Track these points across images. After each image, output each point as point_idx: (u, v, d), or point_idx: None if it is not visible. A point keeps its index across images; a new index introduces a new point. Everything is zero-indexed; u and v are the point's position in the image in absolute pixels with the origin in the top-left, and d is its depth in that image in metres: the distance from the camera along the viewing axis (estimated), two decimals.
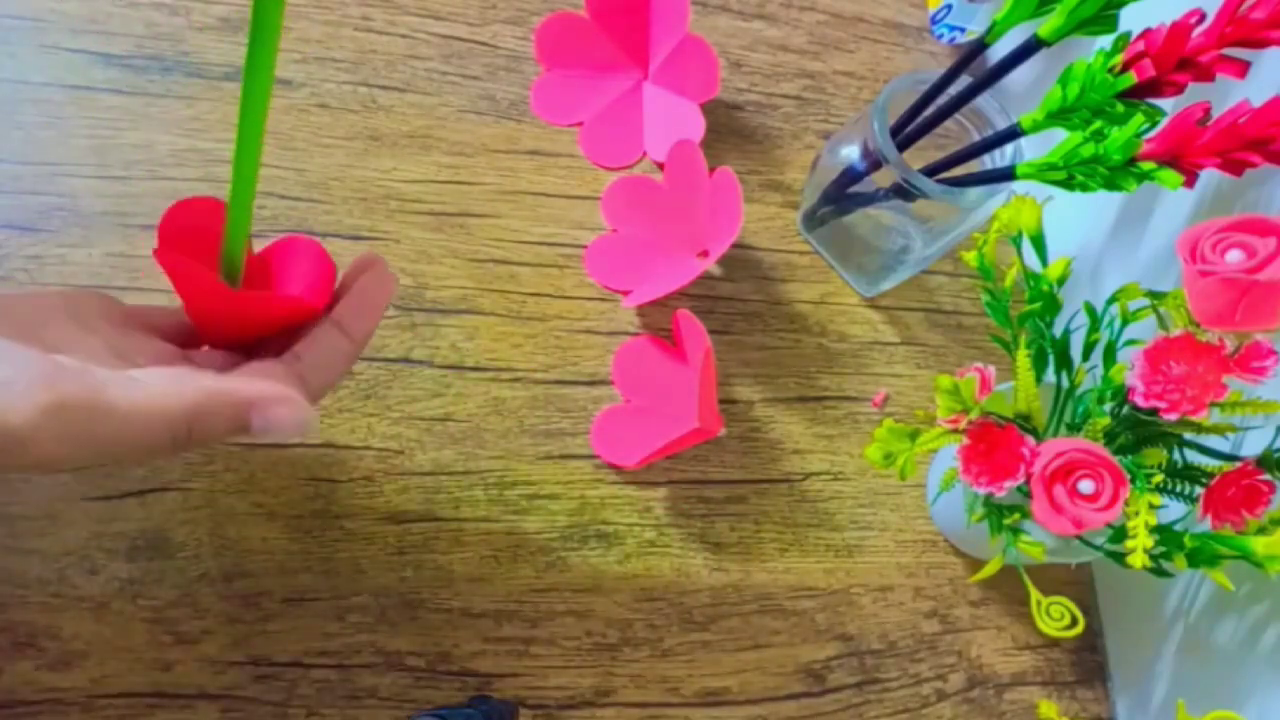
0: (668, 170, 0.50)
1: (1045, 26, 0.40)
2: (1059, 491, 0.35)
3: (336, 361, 0.31)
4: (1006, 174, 0.42)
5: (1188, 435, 0.39)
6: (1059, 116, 0.40)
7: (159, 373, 0.26)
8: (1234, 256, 0.33)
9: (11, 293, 0.25)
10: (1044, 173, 0.40)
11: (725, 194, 0.46)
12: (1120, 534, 0.36)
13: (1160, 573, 0.37)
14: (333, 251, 0.46)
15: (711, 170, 0.47)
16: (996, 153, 0.45)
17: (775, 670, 0.45)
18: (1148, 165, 0.38)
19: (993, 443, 0.37)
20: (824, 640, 0.46)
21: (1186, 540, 0.36)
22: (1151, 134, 0.38)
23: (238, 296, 0.31)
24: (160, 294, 0.42)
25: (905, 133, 0.46)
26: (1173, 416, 0.34)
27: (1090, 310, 0.41)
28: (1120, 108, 0.38)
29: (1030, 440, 0.37)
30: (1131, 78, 0.37)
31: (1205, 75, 0.37)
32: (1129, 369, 0.35)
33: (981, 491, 0.36)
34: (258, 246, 0.34)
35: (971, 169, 0.46)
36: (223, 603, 0.39)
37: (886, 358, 0.53)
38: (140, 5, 0.47)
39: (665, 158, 0.50)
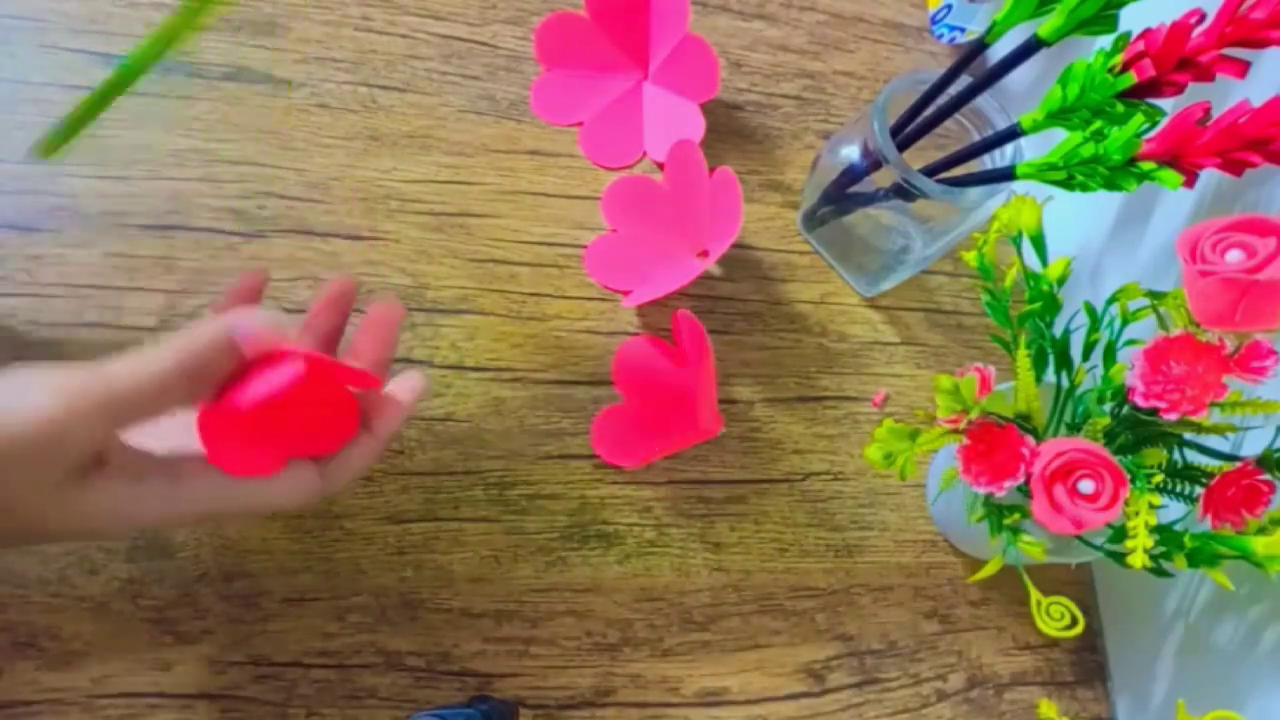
0: (668, 170, 0.50)
1: (1045, 26, 0.40)
2: (1059, 491, 0.35)
3: (358, 456, 0.33)
4: (1006, 174, 0.42)
5: (1188, 435, 0.39)
6: (1059, 116, 0.40)
7: None
8: (1234, 256, 0.33)
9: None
10: (1044, 173, 0.40)
11: (725, 194, 0.46)
12: (1120, 534, 0.36)
13: (1160, 573, 0.37)
14: (332, 251, 0.46)
15: (711, 170, 0.47)
16: (996, 153, 0.45)
17: (775, 670, 0.45)
18: (1148, 165, 0.38)
19: (993, 443, 0.37)
20: (824, 640, 0.46)
21: (1186, 540, 0.36)
22: (1151, 134, 0.38)
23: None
24: (158, 293, 0.42)
25: (905, 133, 0.46)
26: (1173, 416, 0.34)
27: (1090, 310, 0.41)
28: (1120, 108, 0.38)
29: (1030, 440, 0.37)
30: (1131, 78, 0.37)
31: (1205, 75, 0.37)
32: (1129, 369, 0.35)
33: (981, 491, 0.36)
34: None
35: (971, 169, 0.46)
36: (223, 603, 0.39)
37: (886, 358, 0.53)
38: (140, 5, 0.47)
39: (665, 158, 0.50)
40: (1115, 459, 0.35)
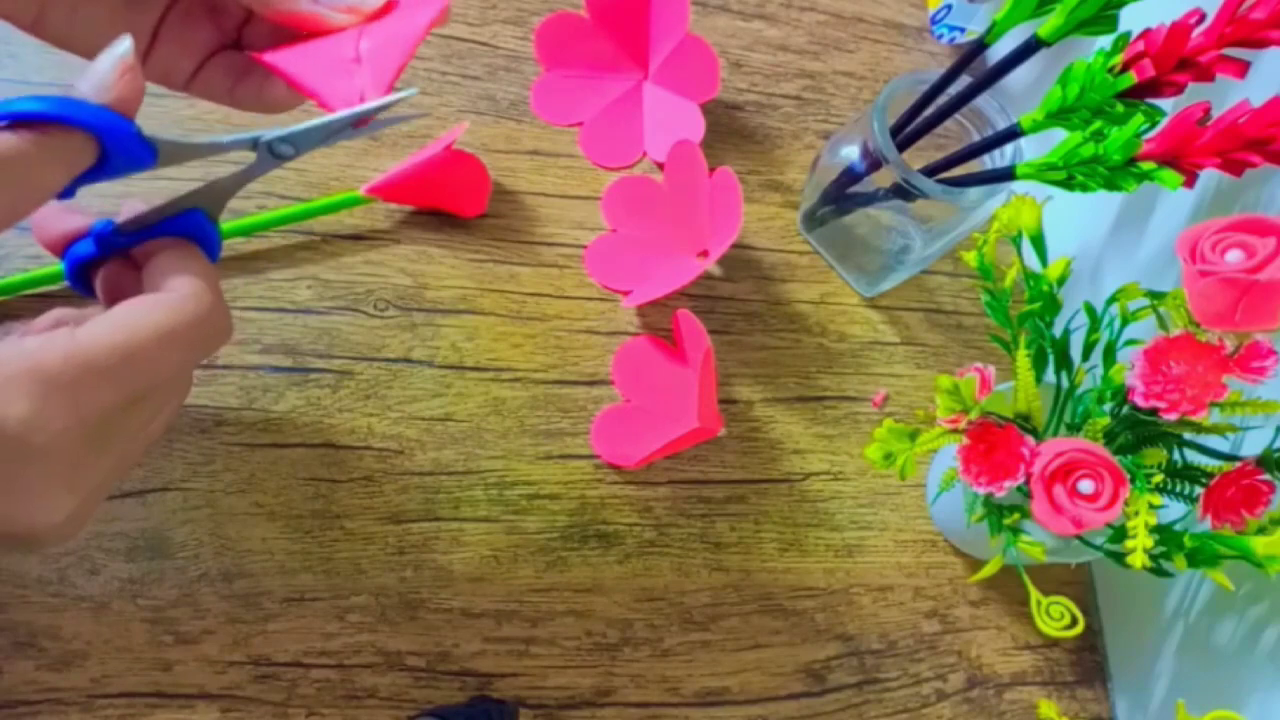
0: (668, 170, 0.50)
1: (1045, 26, 0.40)
2: (1059, 491, 0.35)
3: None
4: (1006, 174, 0.42)
5: (1188, 435, 0.39)
6: (1059, 116, 0.40)
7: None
8: (1234, 256, 0.33)
9: None
10: (1044, 173, 0.40)
11: (725, 194, 0.46)
12: (1120, 534, 0.36)
13: (1160, 573, 0.37)
14: (333, 251, 0.46)
15: (711, 170, 0.47)
16: (996, 153, 0.45)
17: (775, 670, 0.45)
18: (1148, 165, 0.38)
19: (993, 443, 0.37)
20: (824, 640, 0.46)
21: (1186, 540, 0.36)
22: (1151, 134, 0.38)
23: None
24: None
25: (905, 133, 0.46)
26: (1173, 416, 0.34)
27: (1090, 310, 0.41)
28: (1120, 108, 0.38)
29: (1030, 440, 0.37)
30: (1131, 78, 0.37)
31: (1205, 75, 0.37)
32: (1129, 369, 0.35)
33: (981, 491, 0.36)
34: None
35: (971, 169, 0.46)
36: (223, 603, 0.39)
37: (886, 358, 0.53)
38: None
39: (665, 158, 0.50)
40: (1115, 459, 0.35)
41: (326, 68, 0.30)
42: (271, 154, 0.29)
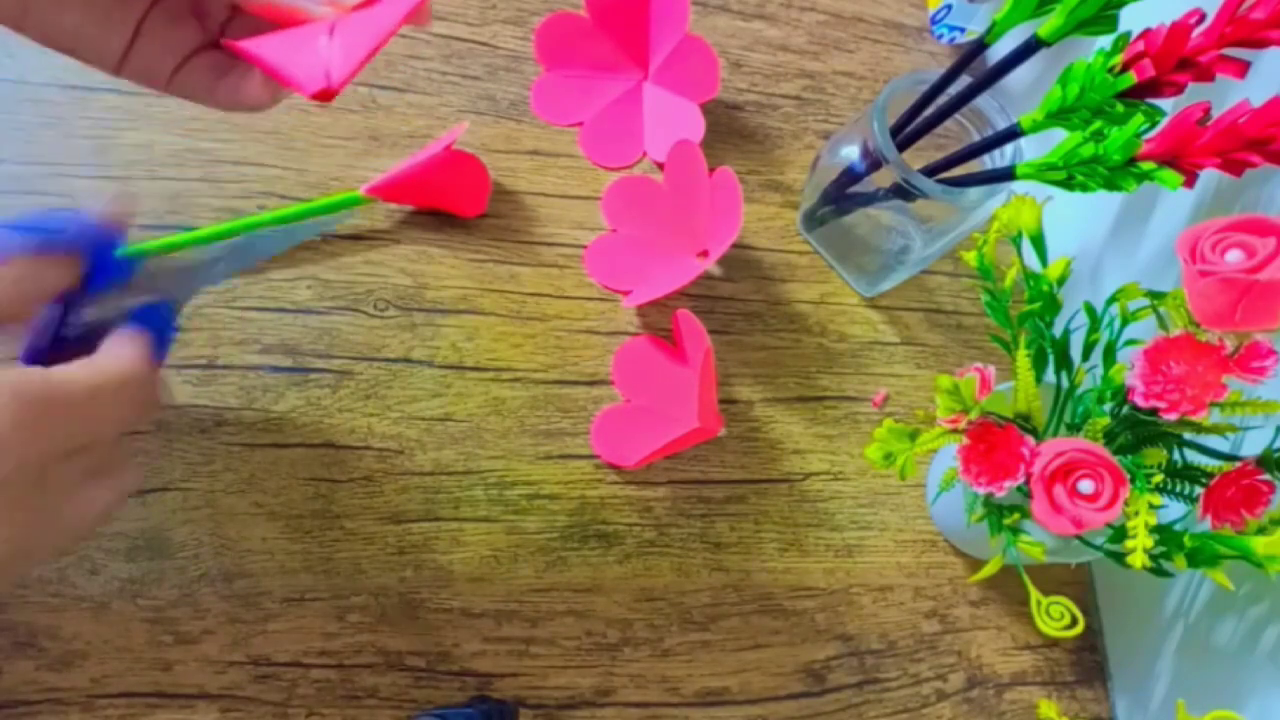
0: (668, 170, 0.50)
1: (1045, 26, 0.40)
2: (1059, 491, 0.35)
3: None
4: (1006, 174, 0.42)
5: (1188, 435, 0.39)
6: (1059, 116, 0.40)
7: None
8: (1234, 256, 0.33)
9: None
10: (1044, 173, 0.40)
11: (725, 194, 0.46)
12: (1120, 534, 0.36)
13: (1160, 573, 0.37)
14: (332, 251, 0.46)
15: (711, 170, 0.47)
16: (996, 153, 0.45)
17: (775, 670, 0.45)
18: (1148, 165, 0.38)
19: (993, 443, 0.37)
20: (824, 640, 0.46)
21: (1186, 540, 0.36)
22: (1151, 134, 0.38)
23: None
24: None
25: (905, 133, 0.46)
26: (1173, 416, 0.34)
27: (1090, 310, 0.41)
28: (1120, 108, 0.38)
29: (1030, 440, 0.37)
30: (1131, 78, 0.37)
31: (1205, 75, 0.37)
32: (1129, 369, 0.35)
33: (981, 491, 0.36)
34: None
35: (971, 169, 0.46)
36: (223, 603, 0.39)
37: (886, 358, 0.53)
38: None
39: (665, 158, 0.50)
40: (1115, 459, 0.35)
41: (298, 52, 0.30)
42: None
